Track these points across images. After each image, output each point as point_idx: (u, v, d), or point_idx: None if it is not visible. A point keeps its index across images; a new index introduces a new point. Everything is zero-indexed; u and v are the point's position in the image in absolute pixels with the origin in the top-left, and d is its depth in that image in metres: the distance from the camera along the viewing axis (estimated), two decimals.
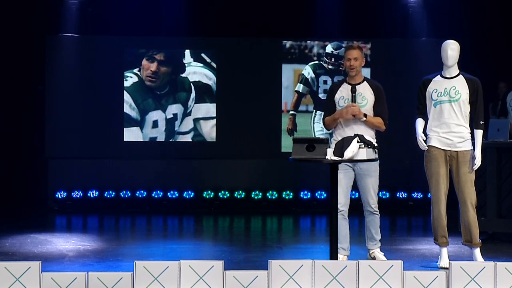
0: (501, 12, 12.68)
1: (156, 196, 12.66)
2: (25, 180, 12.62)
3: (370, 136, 7.10)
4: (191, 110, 12.77)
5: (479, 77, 7.46)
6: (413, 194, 12.79)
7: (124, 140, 12.69)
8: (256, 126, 12.82)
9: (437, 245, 7.45)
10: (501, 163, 9.19)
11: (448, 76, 7.38)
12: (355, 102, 7.25)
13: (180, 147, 12.77)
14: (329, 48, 12.87)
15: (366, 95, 7.34)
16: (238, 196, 12.76)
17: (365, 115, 7.26)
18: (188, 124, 12.78)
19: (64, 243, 8.96)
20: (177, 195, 12.67)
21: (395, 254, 8.20)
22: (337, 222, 6.45)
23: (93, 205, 12.43)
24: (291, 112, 12.81)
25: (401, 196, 12.82)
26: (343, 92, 7.39)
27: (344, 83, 7.44)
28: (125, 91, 12.65)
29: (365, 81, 7.41)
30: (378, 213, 7.47)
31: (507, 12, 12.62)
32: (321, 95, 12.65)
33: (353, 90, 7.27)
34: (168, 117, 12.72)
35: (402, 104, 12.33)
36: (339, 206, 7.16)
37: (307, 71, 12.79)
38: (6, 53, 12.42)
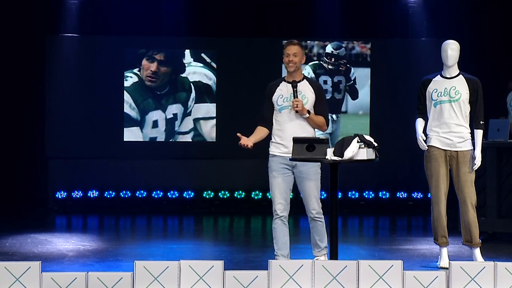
0: (501, 12, 12.67)
1: (156, 196, 12.65)
2: (25, 180, 12.60)
3: (310, 134, 6.83)
4: (191, 110, 12.77)
5: (479, 77, 7.46)
6: (413, 194, 12.78)
7: (124, 140, 12.68)
8: (256, 126, 12.76)
9: (437, 245, 7.44)
10: (501, 163, 9.19)
11: (448, 76, 7.38)
12: (296, 98, 6.85)
13: (180, 147, 12.76)
14: (329, 48, 12.87)
15: (306, 93, 6.94)
16: (238, 196, 12.75)
17: (309, 112, 6.89)
18: (188, 124, 12.77)
19: (64, 243, 8.95)
20: (177, 195, 12.67)
21: (395, 254, 8.20)
22: (337, 222, 6.41)
23: (93, 205, 12.43)
24: None
25: (401, 196, 12.81)
26: (282, 90, 6.95)
27: (282, 82, 7.04)
28: (125, 91, 12.64)
29: (305, 80, 7.01)
30: (320, 219, 6.99)
31: (507, 12, 12.61)
32: None
33: (294, 85, 6.86)
34: (168, 117, 12.72)
35: (402, 104, 12.37)
36: (278, 211, 6.99)
37: (307, 71, 12.77)
38: (6, 53, 12.41)
